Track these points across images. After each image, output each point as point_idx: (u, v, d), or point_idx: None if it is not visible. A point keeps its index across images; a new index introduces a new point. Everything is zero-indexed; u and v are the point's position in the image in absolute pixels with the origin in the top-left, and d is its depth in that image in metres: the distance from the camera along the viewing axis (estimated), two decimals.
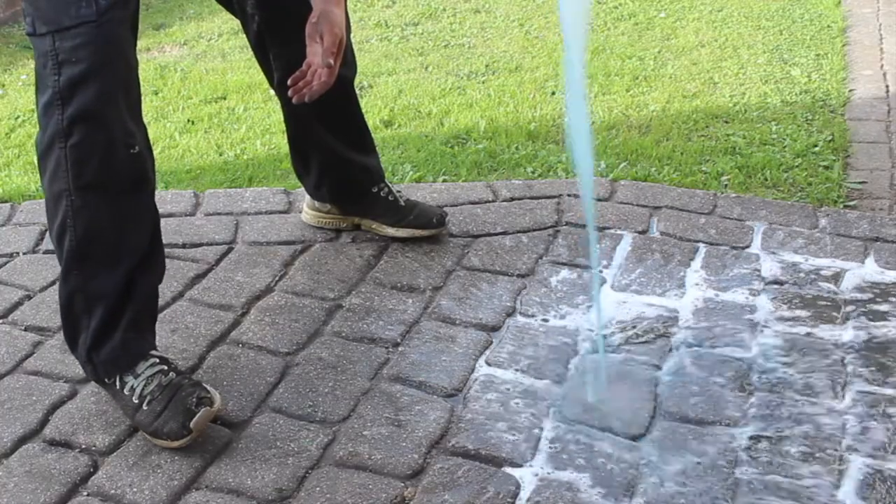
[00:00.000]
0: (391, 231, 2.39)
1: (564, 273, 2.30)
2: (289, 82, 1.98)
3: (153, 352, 1.87)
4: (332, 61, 1.94)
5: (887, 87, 3.55)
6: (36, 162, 1.82)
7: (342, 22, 1.97)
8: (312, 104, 2.02)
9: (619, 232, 2.47)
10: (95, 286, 1.81)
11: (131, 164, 1.77)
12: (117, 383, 1.84)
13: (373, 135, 2.42)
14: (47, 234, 2.45)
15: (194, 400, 1.78)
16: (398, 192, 2.41)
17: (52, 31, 1.67)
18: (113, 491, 1.67)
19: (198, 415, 1.77)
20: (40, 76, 1.71)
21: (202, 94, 3.64)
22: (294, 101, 1.99)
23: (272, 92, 2.38)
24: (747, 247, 2.40)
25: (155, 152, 3.09)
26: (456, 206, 2.58)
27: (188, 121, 3.43)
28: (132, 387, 1.83)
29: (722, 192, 2.69)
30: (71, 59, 1.66)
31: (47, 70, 1.68)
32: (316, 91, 1.96)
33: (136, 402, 1.82)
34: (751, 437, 1.78)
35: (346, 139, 2.33)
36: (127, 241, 1.81)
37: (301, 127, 2.31)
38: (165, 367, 1.84)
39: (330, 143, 2.31)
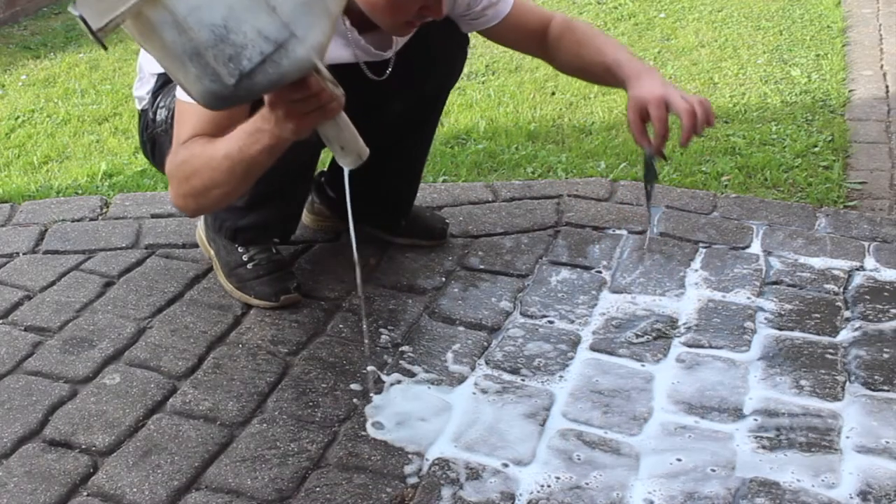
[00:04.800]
0: (391, 237, 2.39)
1: (564, 273, 2.30)
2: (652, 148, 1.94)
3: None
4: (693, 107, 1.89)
5: (887, 87, 3.55)
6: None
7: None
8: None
9: (618, 232, 2.47)
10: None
11: None
12: (236, 242, 2.15)
13: None
14: (47, 234, 2.46)
15: (294, 284, 2.14)
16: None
17: None
18: (113, 491, 1.66)
19: (291, 294, 2.12)
20: None
21: None
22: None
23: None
24: (747, 247, 2.40)
25: None
26: (456, 206, 2.58)
27: None
28: (247, 248, 2.14)
29: (722, 193, 2.69)
30: None
31: None
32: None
33: (244, 259, 2.13)
34: (749, 437, 1.78)
35: (409, 174, 2.37)
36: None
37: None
38: (274, 250, 2.19)
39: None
